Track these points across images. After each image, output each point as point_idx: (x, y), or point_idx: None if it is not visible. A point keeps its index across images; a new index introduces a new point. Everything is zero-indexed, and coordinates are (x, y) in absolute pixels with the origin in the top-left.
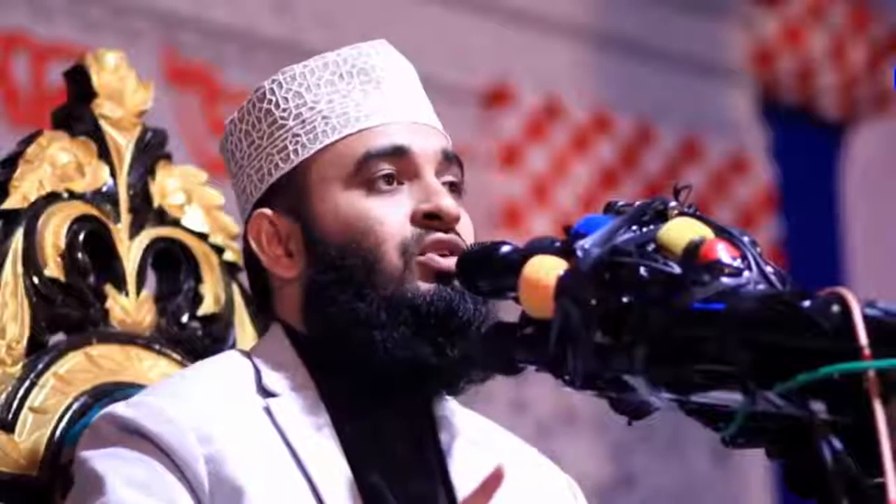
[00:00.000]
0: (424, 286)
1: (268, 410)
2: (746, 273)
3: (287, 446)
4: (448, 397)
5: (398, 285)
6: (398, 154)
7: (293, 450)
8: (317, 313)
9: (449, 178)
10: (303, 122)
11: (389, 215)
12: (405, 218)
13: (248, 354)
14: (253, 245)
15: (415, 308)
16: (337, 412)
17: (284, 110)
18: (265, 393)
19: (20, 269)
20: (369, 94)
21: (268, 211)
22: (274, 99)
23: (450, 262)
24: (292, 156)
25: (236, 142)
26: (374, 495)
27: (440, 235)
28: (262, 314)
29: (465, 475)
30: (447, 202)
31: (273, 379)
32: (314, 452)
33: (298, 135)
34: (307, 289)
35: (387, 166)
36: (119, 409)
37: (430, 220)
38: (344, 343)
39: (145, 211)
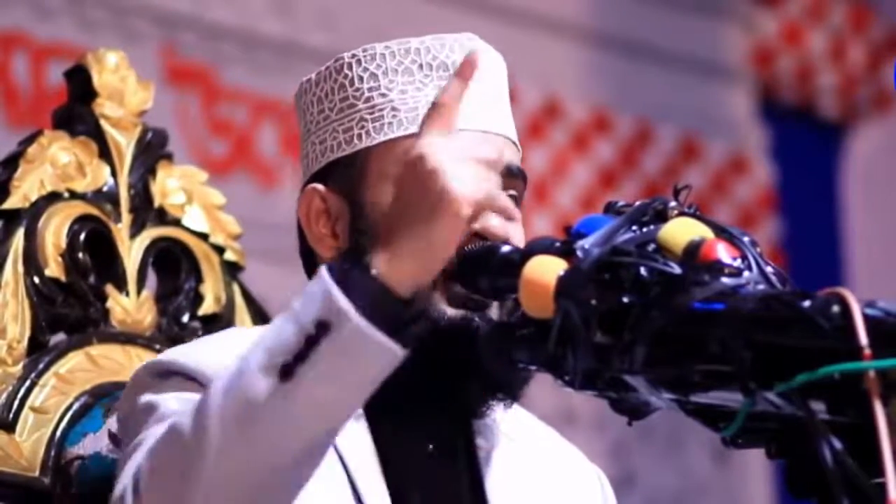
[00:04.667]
0: (451, 311)
1: None
2: (746, 273)
3: None
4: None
5: (425, 304)
6: None
7: None
8: None
9: (510, 192)
10: (372, 107)
11: None
12: None
13: None
14: (301, 219)
15: (438, 331)
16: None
17: (357, 90)
18: None
19: (21, 268)
20: None
21: (321, 187)
22: (350, 75)
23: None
24: (356, 140)
25: (308, 104)
26: (399, 487)
27: None
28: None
29: (495, 470)
30: (495, 221)
31: None
32: (345, 436)
33: (365, 120)
34: None
35: None
36: (159, 357)
37: (475, 239)
38: None
39: (146, 211)
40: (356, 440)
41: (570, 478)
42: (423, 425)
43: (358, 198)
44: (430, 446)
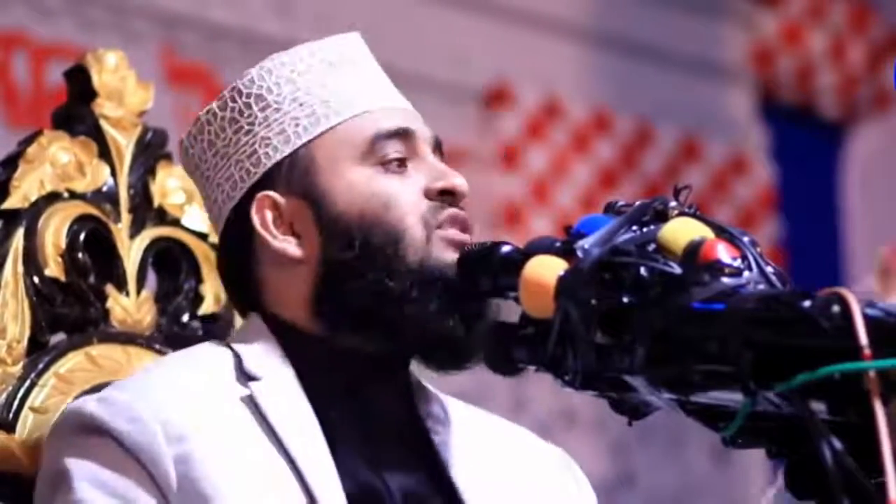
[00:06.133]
0: (451, 256)
1: (250, 398)
2: (746, 273)
3: (270, 430)
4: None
5: (424, 257)
6: (404, 135)
7: (276, 433)
8: (338, 292)
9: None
10: (301, 105)
11: (406, 191)
12: (420, 193)
13: (226, 343)
14: (258, 227)
15: (445, 280)
16: (317, 397)
17: (279, 95)
18: (247, 377)
19: (21, 268)
20: (364, 80)
21: (272, 193)
22: (265, 84)
23: (465, 237)
24: (293, 138)
25: (217, 131)
26: (357, 481)
27: (455, 211)
28: (238, 305)
29: (452, 450)
30: (460, 180)
31: (254, 364)
32: (297, 434)
33: (298, 118)
34: (326, 269)
35: (397, 147)
36: (88, 405)
37: (444, 195)
38: (369, 320)
39: (146, 210)
40: (307, 436)
41: (535, 458)
42: (372, 411)
43: (316, 190)
44: (385, 436)
